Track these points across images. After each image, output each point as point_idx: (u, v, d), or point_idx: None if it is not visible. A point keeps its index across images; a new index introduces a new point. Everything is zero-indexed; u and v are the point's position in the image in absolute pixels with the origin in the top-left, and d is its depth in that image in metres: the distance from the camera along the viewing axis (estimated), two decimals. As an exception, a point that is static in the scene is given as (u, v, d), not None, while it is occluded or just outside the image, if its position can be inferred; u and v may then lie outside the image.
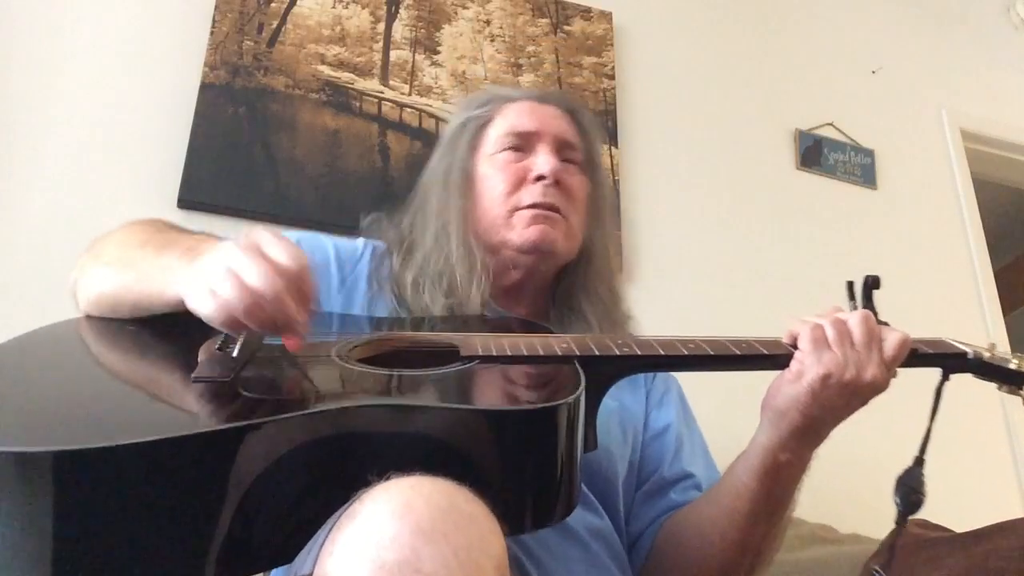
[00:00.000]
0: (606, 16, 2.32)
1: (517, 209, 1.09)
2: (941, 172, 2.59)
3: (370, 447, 0.66)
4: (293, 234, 1.10)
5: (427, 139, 2.00)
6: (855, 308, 0.94)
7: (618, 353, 0.85)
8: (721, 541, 0.94)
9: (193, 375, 0.72)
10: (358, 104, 1.99)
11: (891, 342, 0.87)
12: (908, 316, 2.41)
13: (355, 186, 1.87)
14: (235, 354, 0.75)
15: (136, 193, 1.74)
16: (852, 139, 2.48)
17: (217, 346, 0.78)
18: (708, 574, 0.97)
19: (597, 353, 0.84)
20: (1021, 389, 0.93)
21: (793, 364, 0.87)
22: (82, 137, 1.77)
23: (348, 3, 2.09)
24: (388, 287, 1.08)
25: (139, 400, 0.72)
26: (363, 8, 2.10)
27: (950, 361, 0.93)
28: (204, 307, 0.73)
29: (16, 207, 1.67)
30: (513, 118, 1.16)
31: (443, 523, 0.53)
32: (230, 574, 0.61)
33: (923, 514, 1.33)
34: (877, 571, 0.93)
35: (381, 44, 2.08)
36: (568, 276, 1.15)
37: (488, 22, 2.21)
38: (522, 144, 1.14)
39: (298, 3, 2.04)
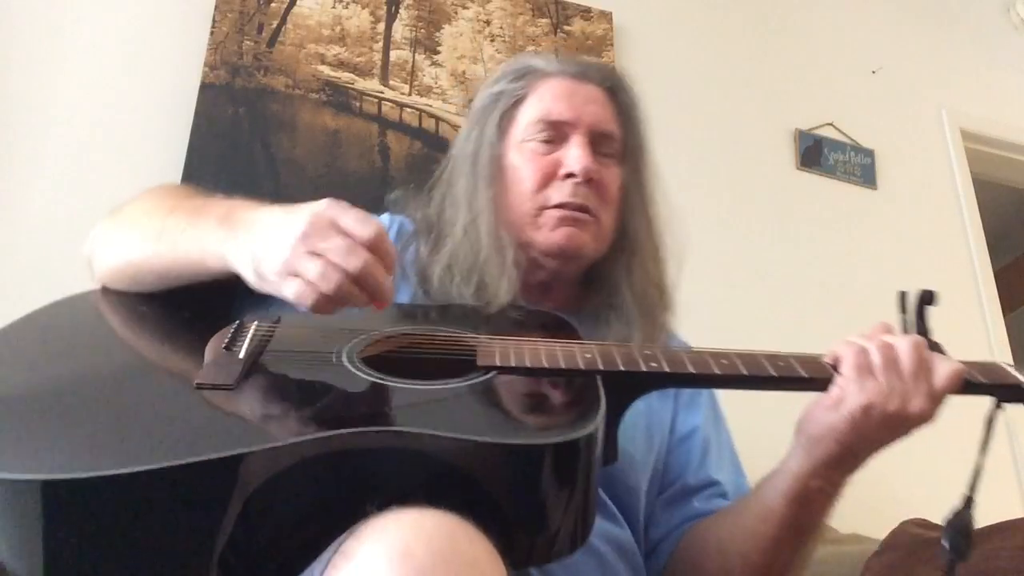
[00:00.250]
0: (606, 16, 2.32)
1: (544, 208, 1.03)
2: (941, 172, 2.59)
3: (370, 473, 0.64)
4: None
5: (427, 139, 2.00)
6: (905, 322, 0.88)
7: (645, 369, 0.80)
8: (743, 563, 0.89)
9: (196, 382, 0.70)
10: (358, 104, 1.99)
11: (942, 373, 0.80)
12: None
13: (355, 186, 1.87)
14: (241, 355, 0.74)
15: (136, 193, 1.74)
16: (852, 139, 2.48)
17: (224, 344, 0.76)
18: None
19: (622, 368, 0.79)
20: None
21: (833, 389, 0.80)
22: (82, 137, 1.77)
23: (348, 3, 2.09)
24: (413, 273, 1.04)
25: (137, 413, 0.68)
26: (363, 8, 2.10)
27: (1004, 391, 0.84)
28: (290, 290, 0.72)
29: (16, 207, 1.67)
30: (547, 102, 1.07)
31: (444, 571, 0.50)
32: None
33: (923, 514, 1.34)
34: (945, 546, 0.84)
35: (381, 44, 2.08)
36: (606, 267, 1.08)
37: (488, 22, 2.21)
38: (554, 135, 1.05)
39: (298, 3, 2.04)
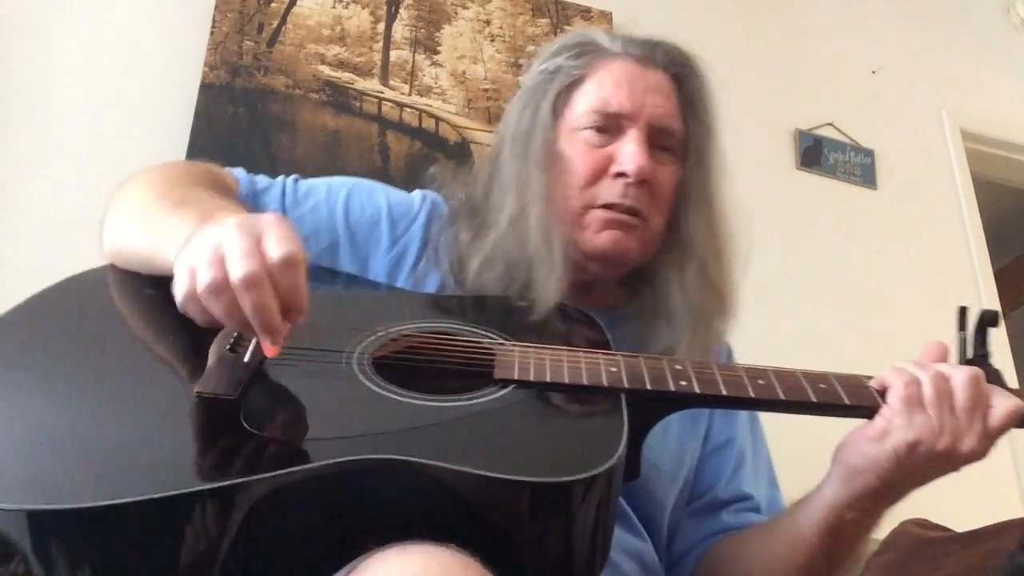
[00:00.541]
0: (606, 16, 2.32)
1: (591, 207, 0.95)
2: (941, 172, 2.59)
3: (371, 499, 0.61)
4: (346, 182, 1.02)
5: (427, 139, 2.00)
6: (963, 341, 0.82)
7: (673, 389, 0.74)
8: None
9: (196, 390, 0.66)
10: (358, 104, 1.99)
11: (1000, 412, 0.74)
12: (908, 316, 2.41)
13: (355, 186, 1.87)
14: (247, 358, 0.70)
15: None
16: (852, 139, 2.48)
17: (229, 345, 0.72)
18: None
19: (649, 387, 0.74)
20: None
21: (878, 420, 0.74)
22: (82, 137, 1.77)
23: (348, 3, 2.09)
24: (446, 259, 0.96)
25: (132, 434, 0.65)
26: (363, 8, 2.10)
27: None
28: (178, 287, 0.66)
29: (16, 207, 1.67)
30: (607, 89, 0.97)
31: None
32: None
33: (923, 514, 1.34)
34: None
35: (381, 44, 2.08)
36: (655, 267, 0.99)
37: (488, 22, 2.21)
38: (610, 125, 0.97)
39: (298, 3, 2.04)
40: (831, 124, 2.48)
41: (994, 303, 2.43)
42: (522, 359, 0.76)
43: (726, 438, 1.01)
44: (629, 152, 0.94)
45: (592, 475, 0.61)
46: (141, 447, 0.63)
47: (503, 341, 0.81)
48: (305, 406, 0.71)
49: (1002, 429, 0.74)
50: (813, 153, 2.43)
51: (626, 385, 0.73)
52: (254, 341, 0.73)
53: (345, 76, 2.01)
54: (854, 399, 0.76)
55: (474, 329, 0.84)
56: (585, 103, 0.98)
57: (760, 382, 0.76)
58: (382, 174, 1.92)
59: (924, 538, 1.24)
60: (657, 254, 0.99)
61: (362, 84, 2.02)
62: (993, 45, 2.89)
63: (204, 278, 0.64)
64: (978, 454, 0.74)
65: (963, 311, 0.83)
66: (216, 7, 1.95)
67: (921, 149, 2.60)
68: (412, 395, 0.70)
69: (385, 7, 2.13)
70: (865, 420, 0.76)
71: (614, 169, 0.95)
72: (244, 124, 1.87)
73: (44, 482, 0.59)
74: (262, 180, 1.01)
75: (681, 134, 1.00)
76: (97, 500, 0.56)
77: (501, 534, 0.61)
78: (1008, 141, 2.73)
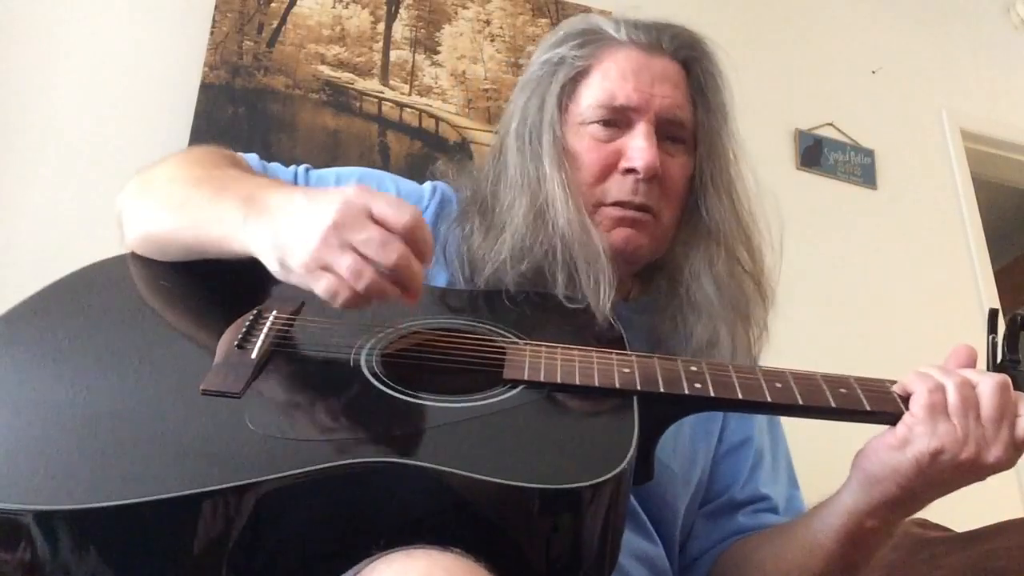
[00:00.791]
0: (606, 16, 2.32)
1: (602, 204, 0.93)
2: (941, 172, 2.59)
3: (376, 501, 0.60)
4: (355, 171, 1.02)
5: (427, 139, 2.00)
6: (993, 345, 0.79)
7: (687, 392, 0.72)
8: None
9: (202, 387, 0.67)
10: (358, 104, 1.99)
11: None
12: (908, 316, 2.41)
13: (355, 186, 1.87)
14: (253, 355, 0.71)
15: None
16: (852, 139, 2.48)
17: (237, 342, 0.73)
18: None
19: (662, 390, 0.72)
20: None
21: (900, 427, 0.72)
22: (82, 137, 1.77)
23: (348, 3, 2.09)
24: (456, 256, 0.94)
25: (138, 430, 0.65)
26: (363, 8, 2.10)
27: None
28: (320, 286, 0.67)
29: (16, 207, 1.67)
30: (612, 82, 0.94)
31: None
32: None
33: (922, 514, 1.33)
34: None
35: (381, 44, 2.08)
36: (676, 259, 0.96)
37: (488, 22, 2.21)
38: (617, 118, 0.94)
39: (298, 3, 2.04)
40: (831, 124, 2.47)
41: (994, 303, 2.43)
42: (533, 359, 0.74)
43: (742, 438, 0.98)
44: (638, 147, 0.92)
45: (600, 481, 0.60)
46: (146, 447, 0.63)
47: (515, 339, 0.80)
48: (310, 405, 0.70)
49: None
50: (813, 153, 2.43)
51: (639, 387, 0.72)
52: (261, 337, 0.73)
53: (345, 76, 2.01)
54: (875, 405, 0.73)
55: (485, 326, 0.83)
56: (591, 96, 0.95)
57: (778, 385, 0.74)
58: (382, 174, 1.92)
59: (924, 538, 1.24)
60: (676, 246, 0.97)
61: (362, 84, 2.02)
62: (993, 45, 2.89)
63: (365, 280, 0.66)
64: (1004, 464, 0.71)
65: (994, 314, 0.80)
66: (216, 7, 1.95)
67: (921, 149, 2.60)
68: (418, 395, 0.70)
69: (385, 7, 2.13)
70: (887, 426, 0.74)
71: (623, 165, 0.93)
72: (244, 124, 1.87)
73: (47, 482, 0.59)
74: (275, 167, 1.00)
75: (691, 123, 0.97)
76: (99, 501, 0.56)
77: (506, 539, 0.61)
78: (1008, 141, 2.73)
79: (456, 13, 2.19)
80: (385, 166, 1.94)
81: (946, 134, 2.64)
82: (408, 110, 2.03)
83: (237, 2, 1.97)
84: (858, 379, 0.76)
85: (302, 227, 0.68)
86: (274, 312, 0.78)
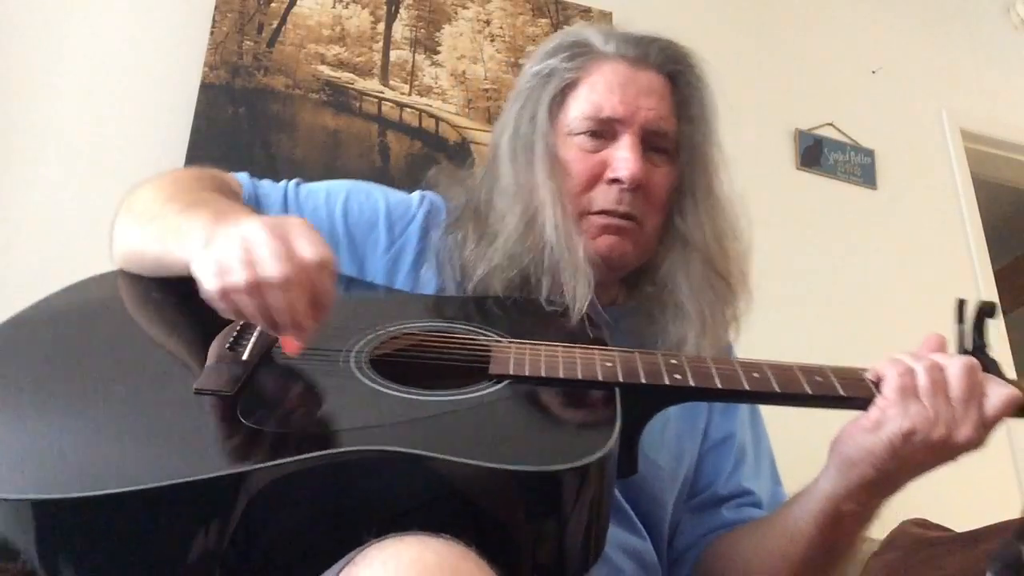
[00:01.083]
0: (606, 16, 2.32)
1: (588, 212, 0.96)
2: (941, 172, 2.59)
3: (368, 490, 0.62)
4: (344, 184, 1.04)
5: (427, 139, 2.00)
6: (962, 333, 0.82)
7: (668, 382, 0.75)
8: None
9: (196, 386, 0.69)
10: (358, 104, 1.99)
11: (995, 400, 0.74)
12: (908, 316, 2.41)
13: (355, 186, 1.87)
14: (244, 356, 0.73)
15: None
16: (852, 139, 2.48)
17: (228, 344, 0.75)
18: None
19: (643, 381, 0.75)
20: None
21: (873, 411, 0.75)
22: (82, 137, 1.77)
23: (348, 3, 2.09)
24: (448, 263, 0.97)
25: (133, 426, 0.67)
26: (363, 8, 2.10)
27: None
28: (207, 283, 0.68)
29: (16, 207, 1.67)
30: (599, 94, 0.97)
31: None
32: None
33: (923, 514, 1.34)
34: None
35: (381, 44, 2.08)
36: (657, 263, 1.00)
37: (488, 22, 2.21)
38: (604, 130, 0.97)
39: (298, 3, 2.04)
40: (831, 124, 2.48)
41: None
42: (518, 355, 0.77)
43: (725, 434, 1.01)
44: (623, 159, 0.95)
45: (583, 464, 0.62)
46: (141, 441, 0.65)
47: (499, 339, 0.82)
48: (301, 401, 0.72)
49: (998, 417, 0.74)
50: (813, 153, 2.43)
51: (621, 379, 0.74)
52: (252, 340, 0.75)
53: (345, 76, 2.01)
54: (849, 390, 0.76)
55: (471, 328, 0.85)
56: (578, 108, 0.99)
57: (755, 375, 0.77)
58: (382, 174, 1.92)
59: (924, 538, 1.24)
60: (659, 251, 1.00)
61: (362, 84, 2.02)
62: (993, 45, 2.89)
63: (238, 277, 0.66)
64: (974, 443, 0.74)
65: (961, 304, 0.83)
66: (216, 7, 1.95)
67: (921, 149, 2.60)
68: (406, 390, 0.71)
69: (385, 7, 2.13)
70: (861, 412, 0.77)
71: (609, 175, 0.96)
72: (244, 124, 1.87)
73: (46, 473, 0.59)
74: (265, 184, 1.02)
75: (675, 134, 1.00)
76: (96, 490, 0.56)
77: (493, 523, 0.62)
78: (1008, 141, 2.73)
79: (456, 13, 2.19)
80: (385, 166, 1.94)
81: (946, 134, 2.64)
82: (408, 110, 2.03)
83: (237, 2, 1.97)
84: (832, 368, 0.79)
85: (223, 238, 0.69)
86: (258, 331, 0.80)
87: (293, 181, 1.03)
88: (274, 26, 1.99)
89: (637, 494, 0.91)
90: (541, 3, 2.28)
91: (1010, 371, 0.81)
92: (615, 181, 0.95)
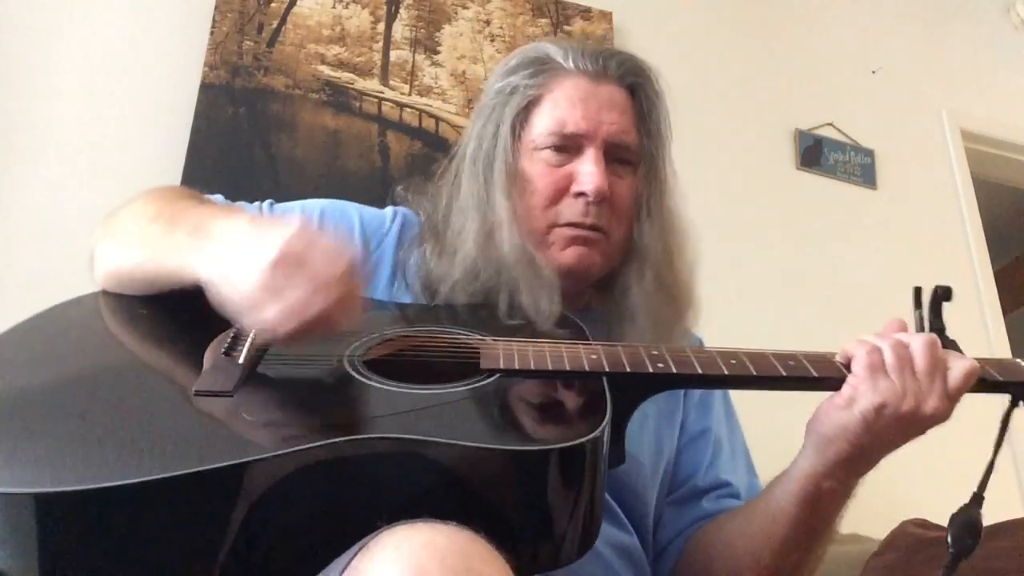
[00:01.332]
0: (606, 16, 2.32)
1: (555, 225, 0.99)
2: (941, 172, 2.59)
3: (373, 480, 0.63)
4: (318, 203, 1.06)
5: (427, 139, 2.00)
6: (920, 318, 0.88)
7: (651, 370, 0.79)
8: (753, 564, 0.88)
9: (194, 388, 0.69)
10: (358, 104, 1.99)
11: (957, 372, 0.79)
12: (908, 316, 2.40)
13: (355, 186, 1.87)
14: (241, 360, 0.73)
15: (135, 193, 1.74)
16: (852, 139, 2.48)
17: (224, 349, 0.75)
18: None
19: (628, 370, 0.78)
20: None
21: (845, 389, 0.79)
22: (82, 137, 1.77)
23: (348, 3, 2.09)
24: (416, 281, 1.00)
25: (135, 423, 0.67)
26: (363, 8, 2.10)
27: (1021, 388, 0.83)
28: (264, 314, 0.69)
29: (16, 207, 1.67)
30: (562, 110, 1.00)
31: None
32: None
33: (923, 514, 1.34)
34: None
35: (381, 44, 2.08)
36: (618, 270, 1.03)
37: (488, 22, 2.21)
38: (568, 144, 1.00)
39: (298, 3, 2.04)
40: (831, 124, 2.48)
41: (994, 303, 2.43)
42: (506, 351, 0.80)
43: (701, 428, 1.05)
44: (587, 172, 0.98)
45: (581, 442, 0.65)
46: (142, 441, 0.64)
47: (486, 338, 0.85)
48: (303, 398, 0.74)
49: (961, 389, 0.79)
50: (813, 153, 2.43)
51: (607, 369, 0.78)
52: (247, 344, 0.76)
53: (345, 76, 2.01)
54: (821, 371, 0.81)
55: (458, 330, 0.88)
56: (542, 124, 1.01)
57: (732, 361, 0.81)
58: (382, 174, 1.92)
59: (924, 538, 1.24)
60: (623, 259, 1.03)
61: (362, 84, 2.02)
62: (993, 45, 2.89)
63: (292, 299, 0.69)
64: (941, 414, 0.78)
65: (918, 291, 0.89)
66: (216, 7, 1.95)
67: (921, 149, 2.60)
68: (403, 385, 0.73)
69: (385, 7, 2.13)
70: (833, 392, 0.80)
71: (574, 189, 0.98)
72: (244, 124, 1.87)
73: (50, 468, 0.60)
74: (239, 205, 1.04)
75: (637, 146, 1.03)
76: (97, 483, 0.56)
77: (498, 507, 0.64)
78: (1008, 141, 2.74)
79: (456, 13, 2.19)
80: (385, 166, 1.94)
81: (946, 134, 2.64)
82: (408, 110, 2.03)
83: (237, 2, 1.97)
84: (804, 352, 0.84)
85: (242, 264, 0.71)
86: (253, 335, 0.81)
87: (267, 202, 1.05)
88: (274, 26, 1.99)
89: (622, 491, 0.94)
90: (541, 3, 2.28)
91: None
92: (581, 195, 0.98)
